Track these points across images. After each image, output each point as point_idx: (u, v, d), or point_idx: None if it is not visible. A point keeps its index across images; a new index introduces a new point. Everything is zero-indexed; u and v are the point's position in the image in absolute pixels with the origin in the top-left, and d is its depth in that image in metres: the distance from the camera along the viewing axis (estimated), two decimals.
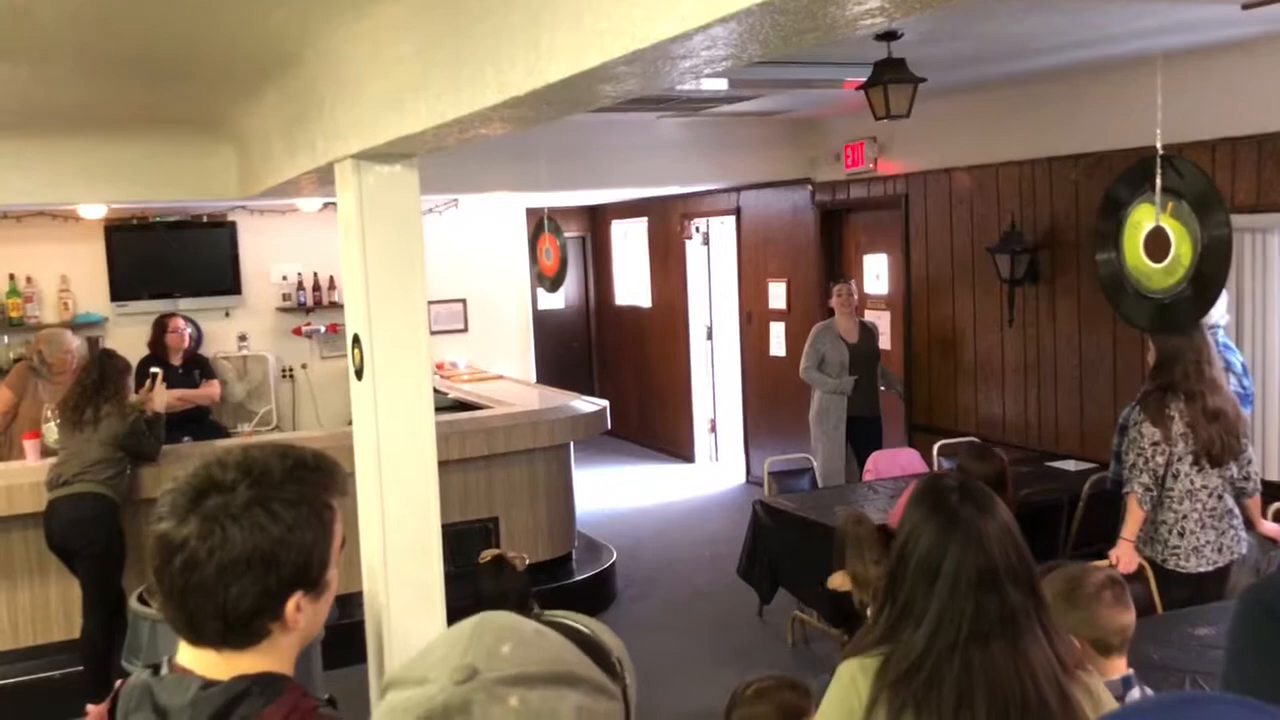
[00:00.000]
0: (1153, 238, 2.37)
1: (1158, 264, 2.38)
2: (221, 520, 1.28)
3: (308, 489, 1.33)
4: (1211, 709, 0.63)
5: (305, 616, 1.34)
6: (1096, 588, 2.43)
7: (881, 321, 7.72)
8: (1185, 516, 4.17)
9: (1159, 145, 2.36)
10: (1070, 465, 5.85)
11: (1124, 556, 4.17)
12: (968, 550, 1.79)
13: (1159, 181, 2.30)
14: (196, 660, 1.33)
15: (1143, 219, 2.39)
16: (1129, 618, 2.47)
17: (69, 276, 7.97)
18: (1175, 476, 4.17)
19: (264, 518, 1.29)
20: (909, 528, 1.89)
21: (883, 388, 7.10)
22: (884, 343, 7.55)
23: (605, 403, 7.02)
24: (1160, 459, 4.15)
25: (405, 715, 0.77)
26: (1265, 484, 5.05)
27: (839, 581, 3.80)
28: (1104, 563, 3.82)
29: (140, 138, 5.74)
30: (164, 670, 1.34)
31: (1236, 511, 4.27)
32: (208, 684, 1.30)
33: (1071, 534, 5.13)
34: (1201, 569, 4.18)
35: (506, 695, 0.75)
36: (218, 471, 1.31)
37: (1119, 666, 2.46)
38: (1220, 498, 4.20)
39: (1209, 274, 2.27)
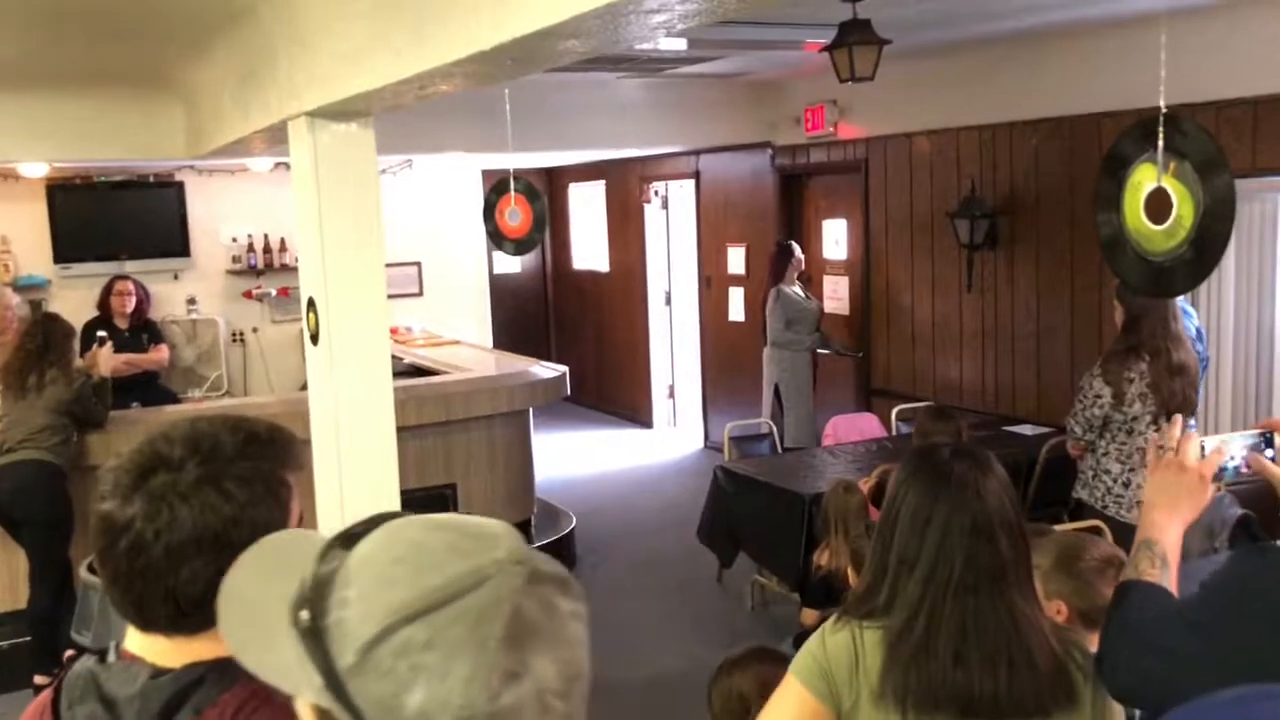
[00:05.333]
0: (1154, 199, 2.34)
1: (1159, 226, 2.35)
2: (169, 499, 1.19)
3: (262, 464, 1.25)
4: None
5: None
6: (1100, 562, 2.41)
7: (840, 286, 7.73)
8: (1135, 470, 4.23)
9: (1162, 104, 2.32)
10: (1028, 429, 5.89)
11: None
12: (959, 499, 1.78)
13: (1160, 141, 2.27)
14: (146, 647, 1.24)
15: (1144, 179, 2.36)
16: None
17: (9, 237, 7.74)
18: (1130, 433, 4.23)
19: (215, 496, 1.20)
20: (898, 485, 1.86)
21: (824, 350, 7.15)
22: (843, 308, 7.59)
23: (564, 368, 6.96)
24: (1097, 412, 4.27)
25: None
26: None
27: (828, 559, 3.73)
28: (1072, 525, 3.85)
29: (85, 94, 5.55)
30: (111, 657, 1.26)
31: None
32: (158, 672, 1.22)
33: (1029, 497, 5.17)
34: None
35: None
36: (164, 447, 1.22)
37: (1095, 640, 2.47)
38: None
39: (1211, 236, 2.25)
